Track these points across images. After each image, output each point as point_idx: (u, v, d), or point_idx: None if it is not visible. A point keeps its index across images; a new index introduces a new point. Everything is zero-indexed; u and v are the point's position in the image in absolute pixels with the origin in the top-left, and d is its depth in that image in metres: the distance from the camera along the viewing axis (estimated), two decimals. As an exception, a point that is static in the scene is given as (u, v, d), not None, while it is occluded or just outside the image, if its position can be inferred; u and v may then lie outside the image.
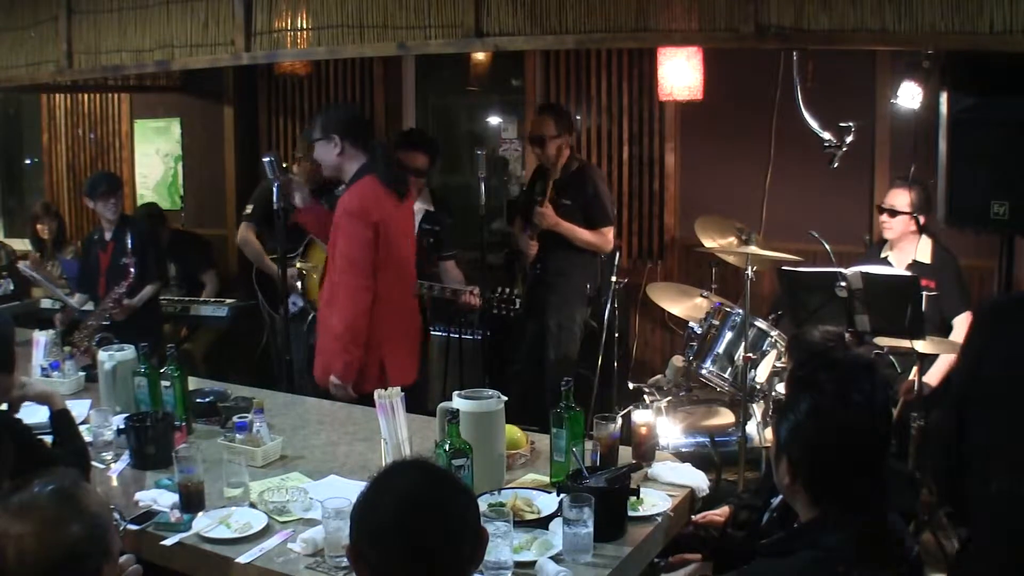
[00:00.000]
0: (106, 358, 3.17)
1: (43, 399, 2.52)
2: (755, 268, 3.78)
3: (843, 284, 3.32)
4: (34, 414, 2.64)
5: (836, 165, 3.64)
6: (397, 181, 3.52)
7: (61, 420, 2.49)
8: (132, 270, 4.49)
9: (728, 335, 3.90)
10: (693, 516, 2.61)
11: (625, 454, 2.67)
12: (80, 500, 1.50)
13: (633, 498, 2.33)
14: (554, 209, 4.40)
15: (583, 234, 4.40)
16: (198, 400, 3.15)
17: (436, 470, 1.65)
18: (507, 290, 4.01)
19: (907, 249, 3.95)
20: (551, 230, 4.39)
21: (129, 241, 4.52)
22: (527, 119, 5.49)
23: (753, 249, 3.75)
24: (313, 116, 3.68)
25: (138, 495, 2.45)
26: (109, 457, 2.76)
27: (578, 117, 5.46)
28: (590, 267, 4.59)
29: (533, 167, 5.00)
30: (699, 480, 2.58)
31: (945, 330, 3.77)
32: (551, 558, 2.08)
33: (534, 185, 4.69)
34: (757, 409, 3.81)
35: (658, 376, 4.27)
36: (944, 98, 2.75)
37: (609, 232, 4.49)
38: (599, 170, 4.96)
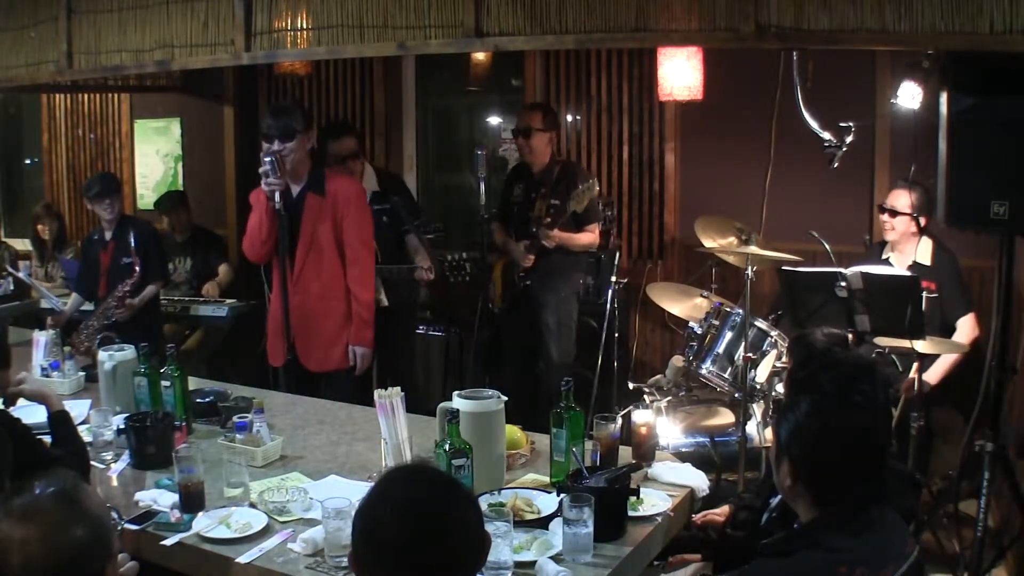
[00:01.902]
0: (106, 358, 3.17)
1: (40, 399, 2.52)
2: (755, 268, 3.78)
3: (843, 284, 3.32)
4: (33, 414, 2.64)
5: (836, 165, 3.64)
6: None
7: (59, 421, 2.49)
8: (137, 268, 4.51)
9: (728, 335, 3.90)
10: (693, 516, 2.61)
11: (625, 454, 2.66)
12: (82, 502, 1.49)
13: (633, 498, 2.33)
14: (543, 209, 4.43)
15: (579, 239, 4.45)
16: (198, 400, 3.15)
17: (438, 476, 1.64)
18: (456, 256, 4.22)
19: (907, 251, 3.94)
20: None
21: (132, 240, 4.54)
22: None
23: (753, 249, 3.75)
24: (276, 112, 3.70)
25: (138, 495, 2.45)
26: (109, 457, 2.76)
27: (578, 117, 5.48)
28: (582, 264, 4.69)
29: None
30: (699, 480, 2.58)
31: (946, 332, 3.77)
32: (551, 558, 2.08)
33: (512, 186, 4.70)
34: (757, 409, 3.81)
35: (658, 376, 4.27)
36: (944, 98, 2.74)
37: (596, 228, 4.55)
38: (584, 168, 4.99)
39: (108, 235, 4.69)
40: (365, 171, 4.51)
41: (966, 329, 3.82)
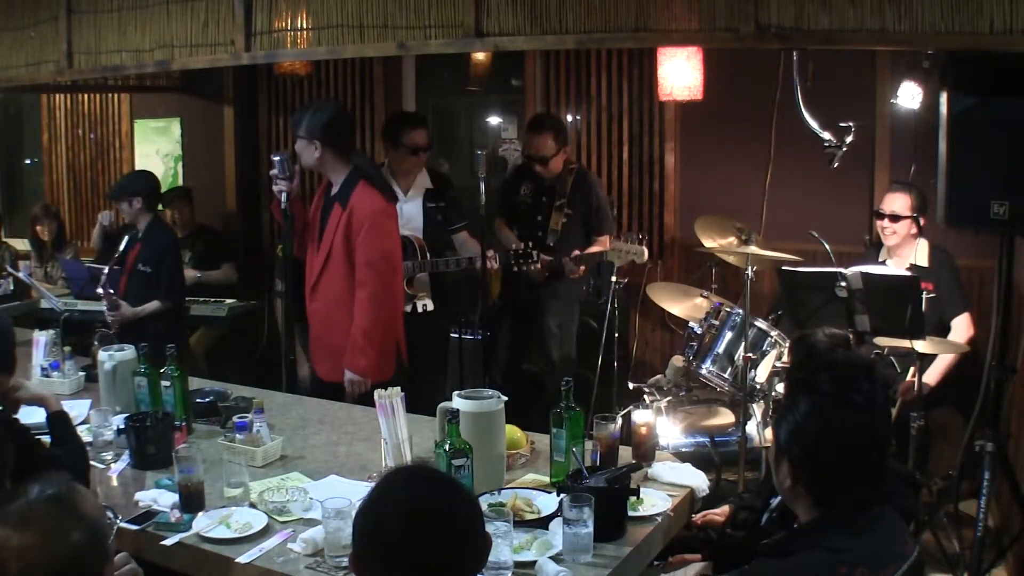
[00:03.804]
0: (106, 358, 3.17)
1: (38, 402, 2.52)
2: (755, 268, 3.78)
3: (843, 284, 3.32)
4: (32, 415, 2.63)
5: (836, 165, 3.64)
6: (388, 186, 3.73)
7: (58, 422, 2.49)
8: (104, 275, 4.44)
9: (728, 335, 3.90)
10: (693, 516, 2.61)
11: (625, 454, 2.67)
12: (78, 505, 1.49)
13: (633, 498, 2.33)
14: (558, 220, 4.44)
15: (596, 253, 4.46)
16: (198, 400, 3.15)
17: (438, 477, 1.64)
18: (524, 245, 4.10)
19: (905, 253, 3.94)
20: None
21: (148, 250, 4.47)
22: (527, 119, 5.49)
23: (753, 249, 3.75)
24: (302, 109, 3.72)
25: (138, 495, 2.45)
26: (109, 457, 2.76)
27: (578, 117, 5.48)
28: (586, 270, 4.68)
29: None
30: (699, 480, 2.58)
31: (943, 332, 3.77)
32: (551, 558, 2.08)
33: (519, 184, 4.69)
34: (757, 409, 3.81)
35: (658, 376, 4.27)
36: (944, 98, 2.74)
37: (608, 238, 4.55)
38: (596, 176, 5.00)
39: (139, 236, 4.58)
40: (423, 166, 4.44)
41: (962, 328, 3.82)
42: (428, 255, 4.24)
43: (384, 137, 4.37)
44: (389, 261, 3.57)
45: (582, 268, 4.32)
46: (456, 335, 4.82)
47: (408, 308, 4.26)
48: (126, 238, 4.58)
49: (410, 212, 4.37)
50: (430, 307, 4.33)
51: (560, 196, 4.50)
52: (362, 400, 3.32)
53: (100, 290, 4.41)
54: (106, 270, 4.50)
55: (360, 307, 3.47)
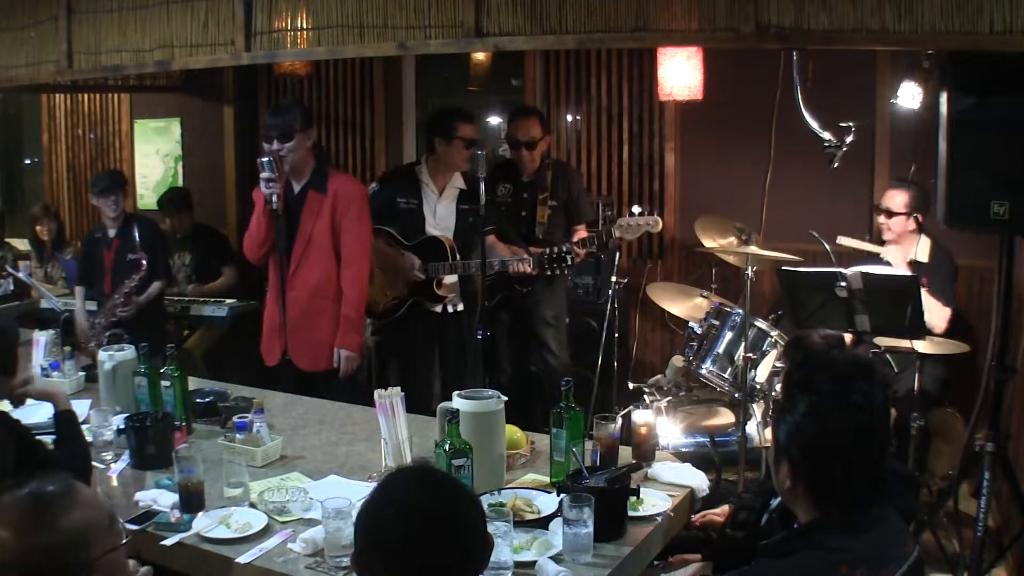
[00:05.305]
0: (106, 358, 3.17)
1: (47, 397, 2.52)
2: (755, 268, 3.78)
3: (843, 284, 3.32)
4: (35, 414, 2.64)
5: (836, 165, 3.64)
6: None
7: (65, 420, 2.49)
8: (144, 262, 4.56)
9: (728, 335, 3.90)
10: (693, 516, 2.61)
11: (625, 454, 2.67)
12: (61, 503, 1.46)
13: (633, 498, 2.33)
14: (544, 213, 4.47)
15: (599, 232, 4.45)
16: (198, 400, 3.16)
17: (441, 477, 1.64)
18: (556, 249, 4.10)
19: (907, 249, 3.96)
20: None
21: (137, 237, 4.58)
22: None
23: (753, 249, 3.75)
24: (278, 111, 3.75)
25: (138, 495, 2.45)
26: (109, 457, 2.76)
27: (578, 117, 5.48)
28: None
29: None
30: (699, 480, 2.58)
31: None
32: (551, 558, 2.08)
33: (496, 185, 4.65)
34: (757, 409, 3.81)
35: (658, 376, 4.27)
36: (944, 98, 2.74)
37: (585, 227, 4.59)
38: (573, 167, 5.03)
39: (112, 232, 4.71)
40: (471, 159, 4.38)
41: (936, 317, 3.84)
42: (458, 256, 4.24)
43: (435, 131, 4.29)
44: (369, 242, 3.80)
45: (584, 251, 4.31)
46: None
47: (438, 309, 4.28)
48: (89, 241, 4.87)
49: (442, 212, 4.35)
50: (460, 308, 4.34)
51: (543, 190, 4.52)
52: (356, 397, 3.34)
53: (133, 283, 4.57)
54: (122, 300, 4.59)
55: (351, 283, 3.66)
